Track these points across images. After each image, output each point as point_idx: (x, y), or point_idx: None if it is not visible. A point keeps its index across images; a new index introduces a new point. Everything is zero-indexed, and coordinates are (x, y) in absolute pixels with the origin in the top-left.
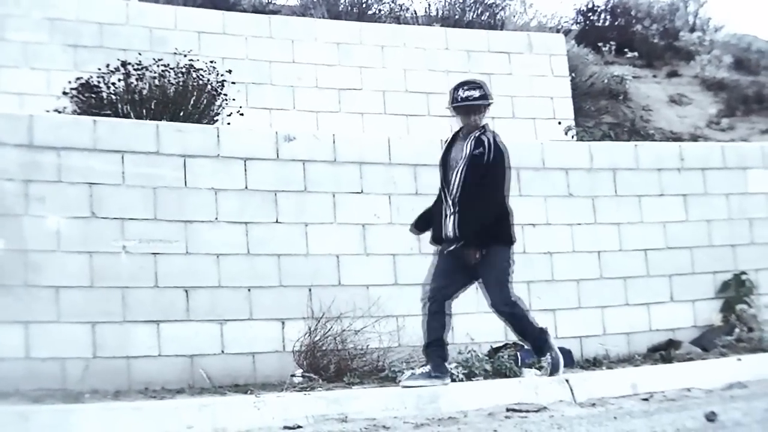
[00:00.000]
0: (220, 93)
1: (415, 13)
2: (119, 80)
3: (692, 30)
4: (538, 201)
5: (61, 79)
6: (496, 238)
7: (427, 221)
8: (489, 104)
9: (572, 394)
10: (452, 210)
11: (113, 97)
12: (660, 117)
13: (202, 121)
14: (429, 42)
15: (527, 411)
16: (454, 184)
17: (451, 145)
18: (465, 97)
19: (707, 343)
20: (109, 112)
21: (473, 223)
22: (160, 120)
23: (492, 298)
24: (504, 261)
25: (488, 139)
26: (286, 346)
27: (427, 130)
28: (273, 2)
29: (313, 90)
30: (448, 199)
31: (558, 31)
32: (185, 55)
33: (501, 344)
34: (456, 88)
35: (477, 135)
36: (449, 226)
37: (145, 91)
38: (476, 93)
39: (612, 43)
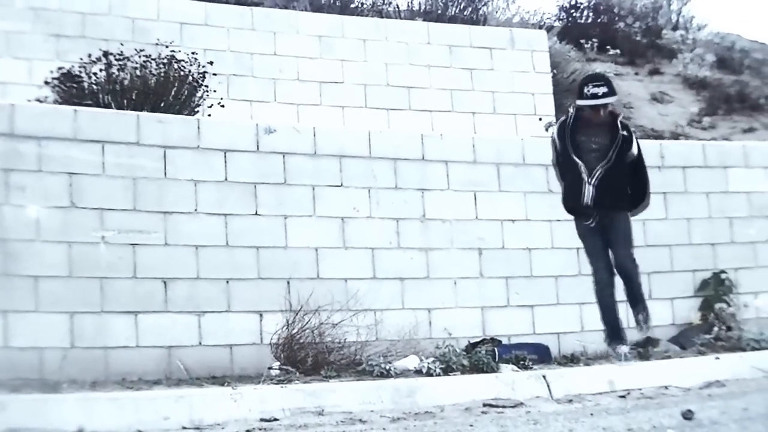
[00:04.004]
0: (202, 84)
1: (398, 7)
2: (101, 70)
3: (675, 28)
4: (517, 197)
5: (42, 68)
6: (626, 203)
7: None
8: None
9: (549, 390)
10: (593, 183)
11: (94, 87)
12: (641, 115)
13: (182, 113)
14: (411, 36)
15: (504, 406)
16: (600, 161)
17: (574, 129)
18: (593, 95)
19: (686, 341)
20: (90, 102)
21: (615, 192)
22: (141, 110)
23: (621, 252)
24: (629, 223)
25: (626, 123)
26: (264, 338)
27: (407, 124)
28: None
29: (294, 83)
30: (587, 174)
31: (540, 28)
32: (167, 46)
33: (479, 339)
34: (585, 84)
35: (617, 120)
36: (588, 197)
37: (126, 82)
38: (603, 90)
39: (594, 40)
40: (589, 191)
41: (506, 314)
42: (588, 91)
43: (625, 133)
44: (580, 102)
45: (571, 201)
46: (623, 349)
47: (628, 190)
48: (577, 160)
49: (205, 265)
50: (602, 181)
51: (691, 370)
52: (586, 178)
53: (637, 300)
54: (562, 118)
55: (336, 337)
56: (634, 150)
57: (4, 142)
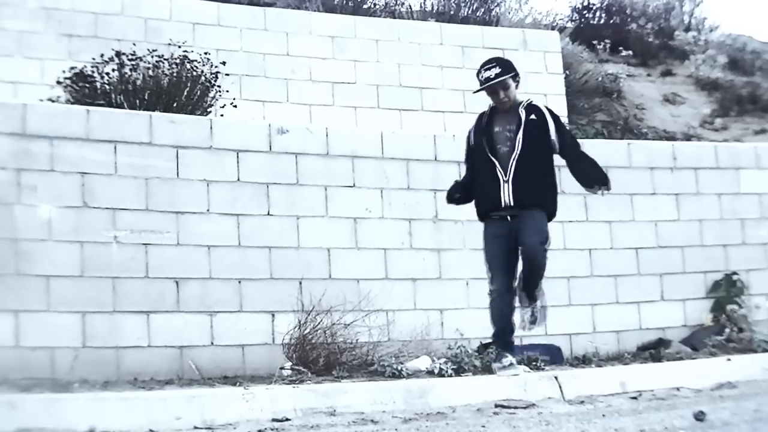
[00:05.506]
0: (214, 84)
1: (410, 8)
2: (113, 70)
3: (687, 29)
4: None
5: (55, 68)
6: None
7: (467, 193)
8: (512, 77)
9: (561, 391)
10: (509, 179)
11: (107, 87)
12: (653, 116)
13: (195, 113)
14: (423, 37)
15: (516, 407)
16: (509, 155)
17: (490, 122)
18: (485, 79)
19: (697, 342)
20: (102, 102)
21: (530, 190)
22: (154, 111)
23: (531, 238)
24: (545, 219)
25: (536, 106)
26: (276, 338)
27: (420, 124)
28: None
29: (306, 83)
30: (501, 170)
31: (553, 29)
32: (179, 46)
33: (490, 340)
34: (478, 72)
35: (527, 104)
36: (506, 195)
37: (138, 82)
38: (495, 71)
39: (607, 41)
40: (507, 189)
41: (518, 315)
42: (481, 76)
43: (533, 116)
44: (475, 91)
45: (489, 203)
46: (507, 360)
47: (550, 184)
48: (492, 158)
49: (217, 265)
50: (517, 175)
51: (703, 371)
52: (501, 176)
53: (532, 294)
54: (481, 113)
55: (348, 337)
56: (553, 134)
57: (16, 141)
